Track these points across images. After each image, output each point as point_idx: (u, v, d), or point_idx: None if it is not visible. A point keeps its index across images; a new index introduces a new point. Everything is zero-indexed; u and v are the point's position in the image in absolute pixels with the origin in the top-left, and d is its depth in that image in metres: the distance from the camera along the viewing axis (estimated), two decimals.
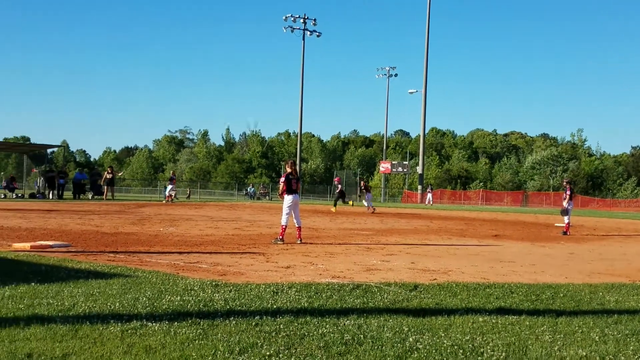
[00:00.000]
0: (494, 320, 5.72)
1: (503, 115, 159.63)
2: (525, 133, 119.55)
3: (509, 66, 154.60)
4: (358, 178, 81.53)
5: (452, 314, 5.90)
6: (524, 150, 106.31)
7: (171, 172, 42.52)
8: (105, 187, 37.31)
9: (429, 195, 55.68)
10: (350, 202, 34.32)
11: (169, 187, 37.44)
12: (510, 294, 7.18)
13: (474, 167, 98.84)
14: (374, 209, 31.45)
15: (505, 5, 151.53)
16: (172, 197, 37.42)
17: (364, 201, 33.36)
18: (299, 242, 12.81)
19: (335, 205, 32.80)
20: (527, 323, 5.69)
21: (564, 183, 18.95)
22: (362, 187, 33.49)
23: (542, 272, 9.58)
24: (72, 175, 44.68)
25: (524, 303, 6.67)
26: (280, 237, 12.83)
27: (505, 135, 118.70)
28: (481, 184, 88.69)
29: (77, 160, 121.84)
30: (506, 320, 5.75)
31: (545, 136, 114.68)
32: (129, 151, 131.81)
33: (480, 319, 5.74)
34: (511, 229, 20.69)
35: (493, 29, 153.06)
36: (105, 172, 38.44)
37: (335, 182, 35.63)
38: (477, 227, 20.74)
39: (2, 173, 75.73)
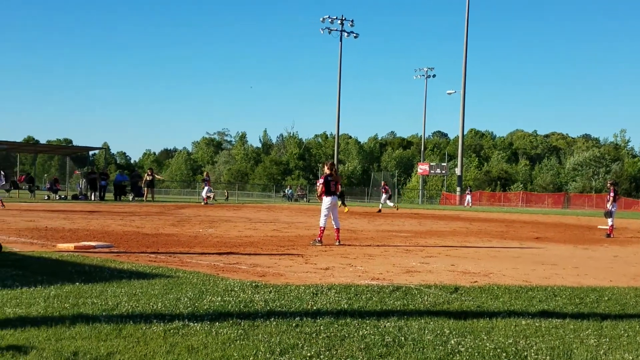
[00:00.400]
0: (537, 324, 5.63)
1: (543, 116, 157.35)
2: (567, 134, 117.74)
3: (549, 66, 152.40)
4: (395, 180, 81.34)
5: (494, 317, 5.82)
6: (565, 152, 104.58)
7: (204, 173, 42.95)
8: (146, 188, 37.86)
9: (468, 197, 55.15)
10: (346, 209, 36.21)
11: (205, 188, 37.83)
12: (553, 297, 7.06)
13: (514, 168, 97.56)
14: (380, 210, 32.77)
15: (545, 5, 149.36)
16: (211, 198, 37.77)
17: (388, 202, 34.17)
18: (337, 243, 12.80)
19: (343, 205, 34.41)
20: (572, 326, 5.59)
21: (608, 184, 18.61)
22: (382, 188, 34.84)
23: (585, 275, 9.40)
24: (113, 177, 45.43)
25: (567, 306, 6.55)
26: (319, 238, 12.83)
27: (546, 136, 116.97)
28: (521, 185, 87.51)
29: (118, 162, 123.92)
30: (550, 324, 5.65)
31: (587, 137, 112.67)
32: (168, 153, 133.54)
33: (523, 322, 5.66)
34: (553, 231, 20.36)
35: (533, 28, 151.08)
36: (146, 174, 39.01)
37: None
38: (518, 229, 20.46)
39: (45, 175, 77.44)
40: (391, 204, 34.61)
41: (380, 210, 32.75)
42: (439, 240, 14.97)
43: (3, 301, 5.86)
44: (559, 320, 5.82)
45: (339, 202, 35.30)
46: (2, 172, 25.77)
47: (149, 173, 38.51)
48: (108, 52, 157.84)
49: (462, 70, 62.14)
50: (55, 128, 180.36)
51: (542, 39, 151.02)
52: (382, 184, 36.13)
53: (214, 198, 40.52)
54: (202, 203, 36.80)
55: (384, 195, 34.06)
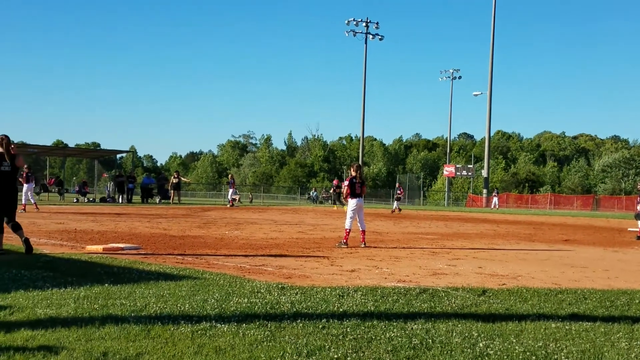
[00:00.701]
0: (567, 327, 5.56)
1: (571, 117, 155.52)
2: (595, 135, 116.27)
3: (576, 67, 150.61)
4: (420, 182, 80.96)
5: (523, 320, 5.76)
6: (594, 153, 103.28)
7: (229, 176, 43.26)
8: (172, 191, 38.19)
9: (495, 199, 54.69)
10: (338, 206, 37.18)
11: (230, 191, 38.10)
12: (583, 299, 6.96)
13: (541, 170, 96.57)
14: (394, 211, 33.73)
15: (572, 5, 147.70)
16: (236, 200, 37.97)
17: (395, 202, 34.89)
18: (363, 245, 12.78)
19: (336, 204, 36.07)
20: (602, 330, 5.51)
21: (638, 186, 18.36)
22: (397, 190, 35.43)
23: (616, 277, 9.27)
24: (140, 179, 45.88)
25: (598, 309, 6.46)
26: (344, 240, 12.82)
27: (574, 137, 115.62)
28: (550, 187, 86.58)
29: (145, 165, 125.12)
30: (580, 327, 5.58)
31: (615, 138, 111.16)
32: (194, 156, 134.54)
33: (553, 325, 5.59)
34: (582, 233, 20.10)
35: (560, 28, 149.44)
36: (172, 177, 39.34)
37: (334, 184, 38.73)
38: (546, 232, 20.23)
39: (74, 178, 78.47)
40: (395, 205, 35.14)
41: (400, 210, 33.44)
42: (465, 242, 14.86)
43: (34, 302, 5.94)
44: (589, 323, 5.75)
45: (337, 202, 36.73)
46: (32, 175, 26.15)
47: (175, 176, 38.84)
48: (136, 58, 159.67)
49: (489, 72, 61.73)
50: (84, 132, 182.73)
51: (569, 39, 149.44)
52: (397, 185, 37.04)
53: (239, 200, 40.72)
54: (228, 205, 37.01)
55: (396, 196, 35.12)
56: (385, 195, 75.01)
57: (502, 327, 5.46)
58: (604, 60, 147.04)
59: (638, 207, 18.11)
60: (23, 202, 23.93)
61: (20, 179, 26.75)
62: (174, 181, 38.24)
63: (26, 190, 24.72)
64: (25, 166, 26.32)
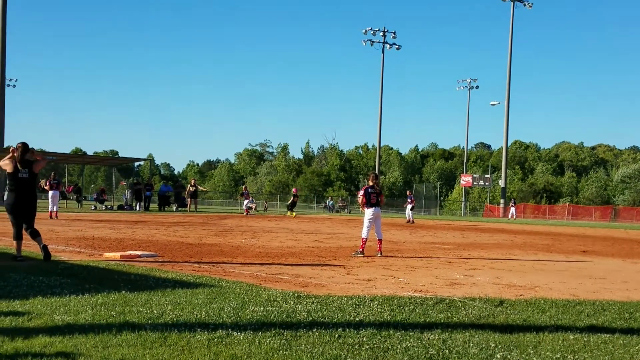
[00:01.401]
0: (585, 339, 5.50)
1: (590, 128, 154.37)
2: (614, 145, 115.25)
3: (595, 77, 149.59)
4: (437, 191, 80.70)
5: (540, 331, 5.71)
6: (612, 164, 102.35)
7: (243, 187, 43.54)
8: (189, 199, 38.36)
9: (512, 209, 54.30)
10: (294, 214, 37.49)
11: (245, 201, 38.31)
12: (602, 311, 6.89)
13: (559, 180, 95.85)
14: (410, 221, 33.43)
15: (590, 15, 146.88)
16: (252, 209, 38.08)
17: (409, 212, 34.44)
18: (379, 255, 12.74)
19: (290, 210, 37.82)
20: (621, 342, 5.45)
21: None
22: (409, 198, 35.18)
23: (635, 289, 9.16)
24: (158, 187, 46.14)
25: (616, 321, 6.39)
26: (361, 249, 12.79)
27: (593, 147, 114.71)
28: (568, 198, 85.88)
29: (162, 173, 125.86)
30: (598, 339, 5.52)
31: (635, 149, 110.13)
32: (211, 164, 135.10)
33: (571, 337, 5.53)
34: (600, 244, 19.91)
35: (578, 38, 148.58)
36: (189, 185, 39.54)
37: (293, 192, 40.09)
38: (564, 242, 20.07)
39: (92, 186, 79.09)
40: (408, 214, 34.61)
41: (413, 221, 33.15)
42: (482, 252, 14.77)
43: (52, 308, 5.99)
44: (607, 335, 5.68)
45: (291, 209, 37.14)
46: (58, 183, 26.63)
47: (192, 184, 39.04)
48: (155, 67, 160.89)
49: (507, 81, 61.50)
50: (102, 140, 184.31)
51: (587, 49, 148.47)
52: (408, 193, 36.82)
53: (255, 209, 40.85)
54: (244, 214, 37.10)
55: (409, 205, 34.55)
56: (402, 205, 74.81)
57: (520, 339, 5.42)
58: (623, 70, 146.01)
59: None
60: (54, 209, 24.63)
61: (45, 187, 27.40)
62: (191, 189, 38.42)
63: (52, 197, 25.27)
64: (53, 173, 27.14)
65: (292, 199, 38.99)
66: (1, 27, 41.55)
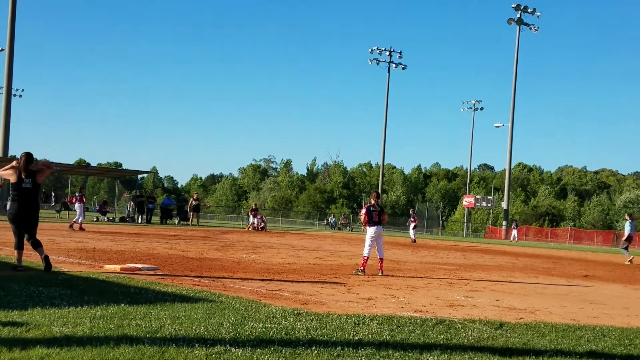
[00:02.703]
0: None
1: (593, 152, 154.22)
2: (617, 171, 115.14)
3: (600, 101, 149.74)
4: (440, 212, 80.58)
5: (540, 355, 5.68)
6: (615, 189, 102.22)
7: (253, 204, 43.57)
8: (192, 213, 38.35)
9: (514, 232, 54.15)
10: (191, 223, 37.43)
11: (255, 219, 38.30)
12: (602, 337, 6.86)
13: (562, 204, 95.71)
14: (414, 241, 33.59)
15: (597, 40, 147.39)
16: (256, 227, 38.01)
17: (411, 232, 34.37)
18: (380, 274, 12.71)
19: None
20: None
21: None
22: (412, 217, 35.19)
23: (635, 315, 9.12)
24: (160, 200, 46.16)
25: (616, 347, 6.36)
26: (362, 268, 12.77)
27: (596, 172, 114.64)
28: (571, 222, 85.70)
29: (165, 186, 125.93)
30: None
31: (638, 175, 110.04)
32: (214, 178, 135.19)
33: None
34: (602, 269, 19.84)
35: (584, 63, 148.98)
36: (191, 199, 39.55)
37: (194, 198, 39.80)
38: (566, 266, 19.99)
39: (95, 197, 79.19)
40: (412, 233, 34.56)
41: (415, 241, 33.01)
42: (483, 274, 14.73)
43: (51, 320, 5.98)
44: None
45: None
46: (52, 193, 27.10)
47: (195, 198, 39.06)
48: (159, 78, 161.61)
49: (511, 104, 61.62)
50: (106, 151, 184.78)
51: (593, 74, 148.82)
52: (411, 212, 36.80)
53: (259, 227, 40.82)
54: (246, 229, 37.07)
55: (412, 224, 34.52)
56: (404, 224, 74.69)
57: None
58: (628, 96, 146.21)
59: None
60: (79, 221, 25.06)
61: (71, 201, 28.11)
62: (194, 203, 38.43)
63: (78, 208, 25.84)
64: (80, 187, 27.81)
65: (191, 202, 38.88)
66: (9, 37, 41.86)
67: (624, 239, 25.47)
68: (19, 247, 9.97)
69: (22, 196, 9.93)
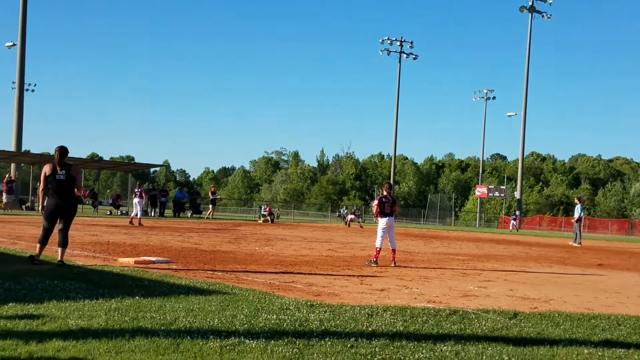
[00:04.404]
0: (600, 353, 5.45)
1: (608, 140, 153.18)
2: (631, 159, 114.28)
3: (613, 90, 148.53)
4: (452, 202, 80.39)
5: (554, 345, 5.66)
6: (630, 177, 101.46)
7: (266, 204, 43.84)
8: (211, 206, 38.67)
9: (513, 221, 53.77)
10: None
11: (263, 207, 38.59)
12: (617, 326, 6.82)
13: (576, 193, 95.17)
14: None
15: (610, 29, 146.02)
16: (268, 219, 38.15)
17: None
18: (392, 265, 12.71)
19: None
20: (636, 357, 5.40)
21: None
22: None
23: None
24: (173, 194, 46.37)
25: (632, 336, 6.33)
26: (374, 259, 12.77)
27: (610, 160, 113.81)
28: (587, 212, 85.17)
29: (177, 179, 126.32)
30: (613, 354, 5.46)
31: None
32: (226, 171, 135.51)
33: (586, 351, 5.48)
34: (616, 258, 19.73)
35: (598, 51, 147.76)
36: (210, 192, 39.81)
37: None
38: (580, 256, 19.90)
39: (108, 191, 79.58)
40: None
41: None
42: (497, 264, 14.69)
43: (66, 313, 6.03)
44: (622, 350, 5.63)
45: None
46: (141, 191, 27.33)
47: (212, 190, 39.39)
48: (171, 73, 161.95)
49: (524, 92, 61.25)
50: (119, 145, 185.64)
51: (606, 61, 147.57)
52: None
53: (271, 219, 41.00)
54: (259, 221, 37.19)
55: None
56: (417, 215, 74.64)
57: (534, 352, 5.38)
58: None
59: None
60: (139, 216, 25.78)
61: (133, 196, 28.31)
62: (211, 197, 38.80)
63: (137, 204, 26.21)
64: (138, 182, 28.57)
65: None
66: (21, 32, 42.05)
67: (574, 221, 27.19)
68: (44, 242, 9.98)
69: (58, 189, 9.90)
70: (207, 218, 37.19)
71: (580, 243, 26.29)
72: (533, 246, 24.66)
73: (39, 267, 9.54)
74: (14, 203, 36.38)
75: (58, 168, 9.97)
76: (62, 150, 10.11)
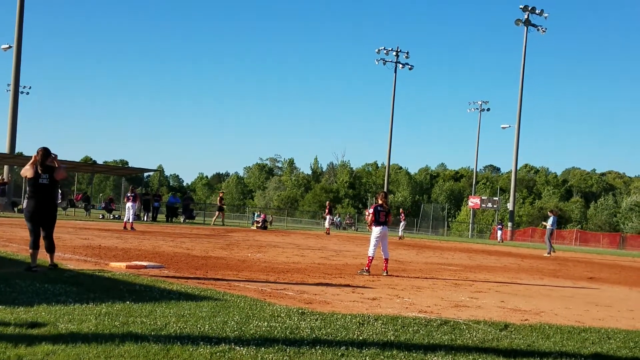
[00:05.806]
0: None
1: (600, 154, 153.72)
2: (624, 173, 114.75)
3: (607, 104, 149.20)
4: (445, 213, 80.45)
5: (545, 357, 5.67)
6: (621, 191, 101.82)
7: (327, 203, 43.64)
8: (218, 212, 38.89)
9: (499, 232, 53.89)
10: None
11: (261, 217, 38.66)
12: (607, 339, 6.84)
13: (568, 206, 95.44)
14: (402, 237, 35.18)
15: (604, 42, 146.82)
16: (259, 224, 38.14)
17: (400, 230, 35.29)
18: (384, 274, 12.71)
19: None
20: None
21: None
22: (401, 215, 36.12)
23: None
24: (166, 198, 46.27)
25: (621, 350, 6.34)
26: (367, 268, 12.77)
27: (602, 174, 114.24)
28: (579, 225, 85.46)
29: (171, 184, 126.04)
30: None
31: None
32: (219, 177, 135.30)
33: None
34: (607, 271, 19.78)
35: (592, 65, 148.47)
36: (219, 199, 39.95)
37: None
38: (571, 268, 19.95)
39: (101, 195, 79.31)
40: (400, 233, 35.59)
41: (402, 237, 34.09)
42: (489, 275, 14.71)
43: (56, 317, 6.00)
44: None
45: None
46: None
47: (220, 197, 39.84)
48: (166, 78, 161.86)
49: (518, 105, 61.52)
50: (112, 149, 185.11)
51: (600, 76, 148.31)
52: (401, 211, 37.73)
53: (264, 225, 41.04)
54: (252, 227, 37.19)
55: (402, 223, 35.58)
56: (410, 224, 74.55)
57: None
58: (636, 98, 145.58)
59: None
60: (131, 220, 25.35)
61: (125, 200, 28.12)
62: (219, 204, 39.13)
63: (128, 209, 25.91)
64: (131, 186, 28.18)
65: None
66: (17, 35, 41.97)
67: (547, 233, 28.04)
68: (35, 246, 9.65)
69: (39, 193, 9.68)
70: (220, 224, 37.43)
71: (550, 253, 27.03)
72: (525, 258, 24.71)
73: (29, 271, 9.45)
74: (6, 205, 36.22)
75: (40, 170, 9.69)
76: (45, 152, 9.82)
